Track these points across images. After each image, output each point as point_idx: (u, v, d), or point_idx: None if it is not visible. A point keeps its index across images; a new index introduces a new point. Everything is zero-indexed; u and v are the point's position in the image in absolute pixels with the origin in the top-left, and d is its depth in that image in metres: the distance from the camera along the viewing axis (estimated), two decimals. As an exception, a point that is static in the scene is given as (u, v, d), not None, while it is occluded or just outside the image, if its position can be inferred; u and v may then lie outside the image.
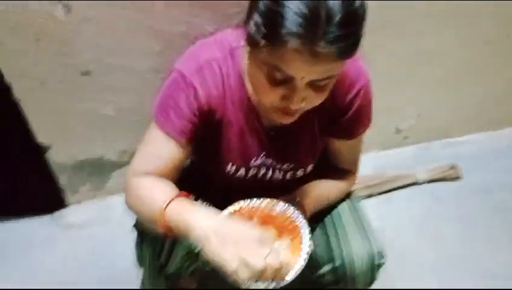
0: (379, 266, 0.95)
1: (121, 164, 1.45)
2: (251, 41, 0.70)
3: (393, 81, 1.54)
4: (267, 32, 0.65)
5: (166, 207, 0.75)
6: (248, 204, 0.85)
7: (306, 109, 0.78)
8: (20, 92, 1.18)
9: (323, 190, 0.99)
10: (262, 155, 0.94)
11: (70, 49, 1.12)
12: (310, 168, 0.98)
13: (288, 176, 0.97)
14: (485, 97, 1.76)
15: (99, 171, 1.46)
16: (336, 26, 0.62)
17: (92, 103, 1.27)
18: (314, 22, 0.61)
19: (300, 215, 0.85)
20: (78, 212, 1.55)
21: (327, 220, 1.02)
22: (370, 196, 1.66)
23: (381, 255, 0.95)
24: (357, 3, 0.64)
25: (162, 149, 0.85)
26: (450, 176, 1.73)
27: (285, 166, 0.96)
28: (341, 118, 0.91)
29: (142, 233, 0.94)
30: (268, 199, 0.86)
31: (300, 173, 0.98)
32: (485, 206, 1.65)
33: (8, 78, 1.15)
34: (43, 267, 1.43)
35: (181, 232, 0.73)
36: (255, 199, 0.86)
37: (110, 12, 1.08)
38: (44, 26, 1.06)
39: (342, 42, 0.63)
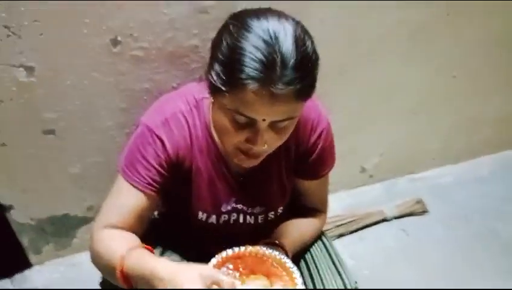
0: None
1: (87, 220, 1.40)
2: (213, 90, 0.73)
3: (353, 122, 1.61)
4: (227, 79, 0.69)
5: (125, 256, 0.73)
6: (232, 253, 0.84)
7: (268, 152, 0.80)
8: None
9: (299, 228, 1.00)
10: (232, 201, 0.95)
11: (32, 109, 1.12)
12: (280, 210, 0.99)
13: (259, 219, 0.98)
14: (445, 132, 1.85)
15: (64, 229, 1.40)
16: (291, 69, 0.66)
17: (56, 161, 1.25)
18: (270, 66, 0.65)
19: (287, 258, 0.85)
20: (40, 273, 1.47)
21: (301, 262, 1.03)
22: (341, 235, 1.67)
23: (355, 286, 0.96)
24: (309, 48, 0.70)
25: (128, 201, 0.85)
26: (417, 211, 1.78)
27: (256, 210, 0.96)
28: (306, 159, 0.94)
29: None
30: (251, 247, 0.86)
31: (271, 215, 0.99)
32: (452, 236, 1.70)
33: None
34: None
35: (140, 284, 0.71)
36: (238, 248, 0.85)
37: (74, 72, 1.10)
38: (6, 88, 1.06)
39: (298, 84, 0.67)
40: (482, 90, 1.77)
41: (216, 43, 0.73)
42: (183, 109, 0.86)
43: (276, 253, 0.85)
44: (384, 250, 1.64)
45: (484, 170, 2.00)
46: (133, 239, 0.82)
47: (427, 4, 1.38)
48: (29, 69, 1.04)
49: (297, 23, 0.71)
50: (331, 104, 1.41)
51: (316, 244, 1.05)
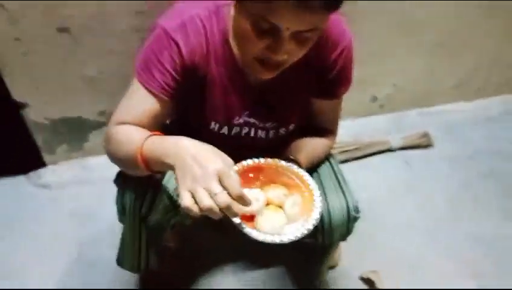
0: (354, 219, 1.00)
1: (99, 125, 1.43)
2: None
3: (371, 49, 1.56)
4: None
5: (144, 142, 0.75)
6: (253, 163, 0.86)
7: (287, 64, 0.79)
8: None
9: (312, 146, 1.02)
10: (245, 114, 0.95)
11: (49, 4, 1.09)
12: (291, 127, 1.00)
13: (271, 134, 0.99)
14: (459, 69, 1.81)
15: (77, 132, 1.44)
16: None
17: (72, 62, 1.24)
18: None
19: (304, 171, 0.87)
20: (55, 173, 1.54)
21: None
22: (346, 161, 1.71)
23: (356, 210, 0.99)
24: None
25: (143, 104, 0.85)
26: (423, 144, 1.80)
27: (268, 124, 0.97)
28: (325, 77, 0.92)
29: (123, 185, 0.94)
30: (270, 159, 0.88)
31: (282, 131, 0.99)
32: (455, 172, 1.73)
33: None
34: (18, 224, 1.42)
35: (159, 165, 0.73)
36: (258, 159, 0.87)
37: None
38: None
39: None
40: (507, 32, 1.70)
41: None
42: (201, 15, 0.83)
43: (294, 166, 0.88)
44: (386, 179, 1.68)
45: (494, 110, 1.99)
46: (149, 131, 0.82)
47: None
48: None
49: None
50: (350, 26, 1.38)
51: (323, 165, 1.08)
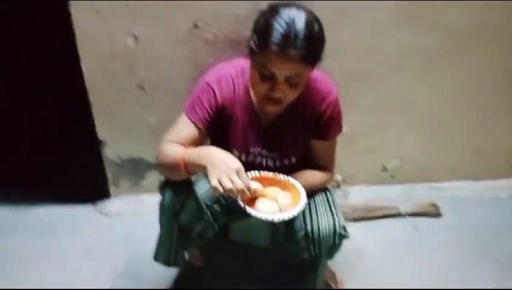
0: (341, 236, 1.25)
1: (155, 167, 1.82)
2: (251, 51, 1.12)
3: (376, 123, 1.90)
4: (259, 43, 1.07)
5: (185, 151, 1.13)
6: (257, 174, 1.20)
7: (285, 102, 1.15)
8: (92, 94, 1.65)
9: (308, 174, 1.31)
10: (258, 146, 1.31)
11: (133, 67, 1.60)
12: (293, 159, 1.33)
13: (277, 163, 1.33)
14: (463, 149, 2.06)
15: (138, 170, 1.85)
16: (301, 40, 1.03)
17: (142, 113, 1.71)
18: (287, 37, 1.03)
19: (297, 181, 1.19)
20: (116, 204, 1.93)
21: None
22: (356, 220, 1.93)
23: (343, 228, 1.25)
24: (316, 29, 1.07)
25: (185, 130, 1.24)
26: (431, 212, 1.99)
27: (274, 155, 1.32)
28: (317, 122, 1.27)
29: (164, 188, 1.29)
30: (271, 173, 1.23)
31: (286, 161, 1.33)
32: (460, 243, 1.86)
33: (88, 84, 1.62)
34: (82, 244, 1.78)
35: (195, 167, 1.09)
36: (262, 171, 1.22)
37: (165, 45, 1.57)
38: (120, 47, 1.56)
39: (304, 50, 1.04)
40: (498, 117, 1.97)
41: (256, 21, 1.13)
42: (232, 73, 1.26)
43: (288, 177, 1.20)
44: (392, 239, 1.86)
45: (504, 192, 2.15)
46: None
47: (438, 31, 1.70)
48: (136, 38, 1.54)
49: (309, 12, 1.08)
50: (356, 104, 1.79)
51: (319, 193, 1.36)
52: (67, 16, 1.48)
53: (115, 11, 1.48)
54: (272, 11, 1.08)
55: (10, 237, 1.80)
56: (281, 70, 1.07)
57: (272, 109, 1.18)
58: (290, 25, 1.03)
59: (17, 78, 2.59)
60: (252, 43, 1.10)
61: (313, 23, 1.07)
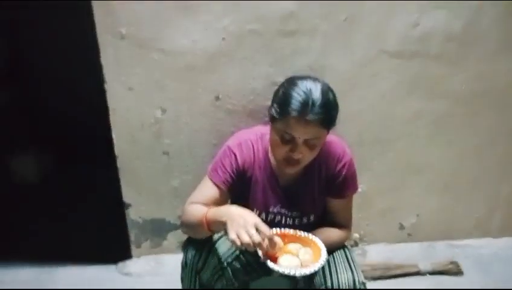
0: None
1: (176, 227, 1.91)
2: (271, 119, 1.25)
3: (391, 183, 1.97)
4: (280, 111, 1.20)
5: (207, 210, 1.21)
6: (279, 231, 1.26)
7: (304, 163, 1.25)
8: (121, 160, 1.78)
9: (327, 231, 1.37)
10: (278, 205, 1.39)
11: (159, 136, 1.74)
12: (312, 217, 1.40)
13: (296, 222, 1.40)
14: (479, 209, 2.09)
15: (159, 231, 1.93)
16: (318, 107, 1.16)
17: (166, 176, 1.82)
18: (305, 104, 1.16)
19: (316, 237, 1.25)
20: (137, 264, 1.98)
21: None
22: (375, 279, 1.93)
23: (362, 284, 1.28)
24: (331, 98, 1.21)
25: (208, 191, 1.34)
26: (452, 270, 1.98)
27: (293, 214, 1.39)
28: (333, 182, 1.36)
29: (187, 246, 1.35)
30: (292, 230, 1.28)
31: (305, 220, 1.40)
32: None
33: (117, 153, 1.75)
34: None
35: (216, 224, 1.16)
36: (283, 229, 1.28)
37: (190, 115, 1.72)
38: (148, 118, 1.71)
39: (322, 115, 1.16)
40: (509, 174, 2.03)
41: (276, 92, 1.27)
42: (252, 139, 1.38)
43: (309, 234, 1.26)
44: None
45: (525, 249, 2.14)
46: None
47: (445, 97, 1.83)
48: (163, 110, 1.69)
49: (324, 83, 1.22)
50: (370, 166, 1.91)
51: (338, 251, 1.40)
52: (103, 92, 1.65)
53: (146, 87, 1.66)
54: (290, 83, 1.23)
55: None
56: (301, 134, 1.18)
57: (291, 170, 1.27)
58: (308, 94, 1.17)
59: (58, 145, 2.82)
60: (273, 110, 1.23)
61: (328, 92, 1.21)
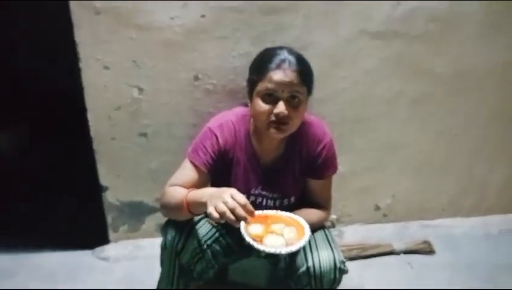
0: (341, 270, 1.30)
1: (154, 210, 1.88)
2: (251, 84, 1.26)
3: (367, 164, 2.00)
4: (259, 69, 1.23)
5: (188, 192, 1.19)
6: (261, 212, 1.25)
7: (289, 125, 1.23)
8: (97, 142, 1.73)
9: (306, 213, 1.37)
10: (259, 187, 1.39)
11: (136, 116, 1.69)
12: (293, 199, 1.41)
13: (277, 203, 1.40)
14: (452, 188, 2.15)
15: (138, 214, 1.89)
16: (294, 62, 1.21)
17: (143, 158, 1.78)
18: (283, 59, 1.20)
19: (299, 217, 1.24)
20: (114, 249, 1.95)
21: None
22: (352, 259, 1.98)
23: (342, 262, 1.30)
24: (306, 61, 1.26)
25: (189, 174, 1.32)
26: (424, 249, 2.05)
27: (274, 195, 1.39)
28: (313, 163, 1.37)
29: (167, 228, 1.33)
30: (273, 210, 1.28)
31: (285, 201, 1.41)
32: (455, 279, 1.89)
33: (93, 134, 1.70)
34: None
35: (197, 205, 1.15)
36: (266, 211, 1.27)
37: (167, 95, 1.67)
38: (124, 99, 1.65)
39: (299, 67, 1.20)
40: (484, 156, 2.09)
41: (254, 60, 1.30)
42: (233, 119, 1.36)
43: (291, 213, 1.26)
44: (387, 276, 1.89)
45: (494, 228, 2.23)
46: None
47: (426, 77, 1.86)
48: (140, 90, 1.64)
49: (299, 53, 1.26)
50: (348, 146, 1.90)
51: (318, 230, 1.41)
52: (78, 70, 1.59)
53: (123, 65, 1.60)
54: (267, 50, 1.28)
55: (9, 284, 1.79)
56: (282, 86, 1.20)
57: (279, 134, 1.26)
58: (284, 52, 1.23)
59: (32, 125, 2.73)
60: (251, 77, 1.26)
61: (303, 56, 1.25)
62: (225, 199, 1.05)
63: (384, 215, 2.14)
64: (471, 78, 1.90)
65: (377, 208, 2.12)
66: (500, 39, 1.85)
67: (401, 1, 1.69)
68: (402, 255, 2.03)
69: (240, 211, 1.04)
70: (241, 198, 1.07)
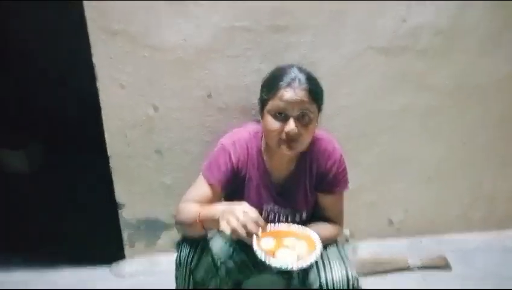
0: (354, 287, 1.29)
1: (170, 226, 1.90)
2: (262, 103, 1.29)
3: (378, 178, 2.01)
4: (270, 88, 1.26)
5: (201, 209, 1.22)
6: (273, 226, 1.28)
7: (299, 142, 1.25)
8: (113, 160, 1.77)
9: (319, 225, 1.39)
10: (271, 203, 1.41)
11: (151, 133, 1.73)
12: (304, 214, 1.43)
13: (289, 219, 1.42)
14: (465, 200, 2.14)
15: (153, 231, 1.92)
16: (304, 79, 1.23)
17: (158, 175, 1.82)
18: (293, 78, 1.23)
19: (310, 230, 1.26)
20: (131, 265, 1.97)
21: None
22: (366, 274, 1.96)
23: (356, 280, 1.30)
24: (315, 77, 1.28)
25: (203, 190, 1.35)
26: (440, 265, 2.03)
27: (286, 211, 1.41)
28: (324, 178, 1.39)
29: (181, 245, 1.36)
30: (286, 224, 1.31)
31: (297, 217, 1.42)
32: None
33: (110, 152, 1.75)
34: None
35: (210, 222, 1.17)
36: (278, 224, 1.30)
37: (180, 113, 1.71)
38: (140, 116, 1.70)
39: (309, 86, 1.23)
40: (494, 167, 2.09)
41: (265, 79, 1.32)
42: (245, 137, 1.39)
43: (302, 227, 1.28)
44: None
45: (509, 241, 2.20)
46: None
47: (433, 91, 1.87)
48: (155, 108, 1.69)
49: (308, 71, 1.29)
50: (357, 161, 1.91)
51: (331, 246, 1.42)
52: (94, 89, 1.64)
53: (138, 84, 1.65)
54: (278, 69, 1.30)
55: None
56: (292, 105, 1.22)
57: (290, 151, 1.27)
58: (293, 71, 1.26)
59: (49, 143, 2.81)
60: (262, 94, 1.29)
61: (313, 75, 1.28)
62: (237, 215, 1.07)
63: (398, 230, 2.13)
64: (476, 90, 1.91)
65: (390, 222, 2.12)
66: (502, 52, 1.86)
67: (407, 17, 1.71)
68: (417, 271, 2.02)
69: (252, 226, 1.06)
70: (253, 213, 1.09)
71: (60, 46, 2.78)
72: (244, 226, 1.06)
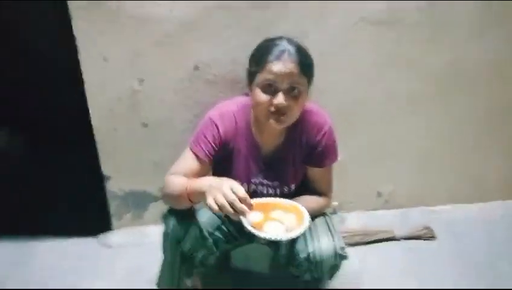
0: (341, 257, 1.32)
1: (157, 198, 1.90)
2: (251, 75, 1.26)
3: (369, 152, 2.01)
4: (258, 61, 1.23)
5: (188, 181, 1.21)
6: (261, 200, 1.26)
7: (288, 116, 1.24)
8: (98, 133, 1.74)
9: (307, 200, 1.38)
10: (259, 176, 1.40)
11: (137, 107, 1.70)
12: (293, 187, 1.42)
13: (277, 191, 1.42)
14: (454, 176, 2.16)
15: (141, 203, 1.92)
16: (294, 51, 1.20)
17: (145, 149, 1.80)
18: (282, 50, 1.20)
19: (298, 203, 1.26)
20: (118, 236, 1.98)
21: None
22: (354, 245, 2.00)
23: (342, 248, 1.32)
24: (305, 48, 1.26)
25: (190, 163, 1.33)
26: (425, 235, 2.06)
27: (275, 183, 1.41)
28: (313, 151, 1.38)
29: (168, 216, 1.36)
30: (273, 198, 1.31)
31: (285, 189, 1.42)
32: (456, 265, 1.91)
33: (94, 123, 1.71)
34: (86, 276, 1.82)
35: (197, 195, 1.16)
36: (266, 198, 1.29)
37: (169, 86, 1.68)
38: (125, 91, 1.66)
39: (298, 58, 1.20)
40: (482, 146, 2.12)
41: (253, 51, 1.29)
42: (234, 109, 1.37)
43: (290, 200, 1.27)
44: (388, 262, 1.91)
45: (496, 213, 2.23)
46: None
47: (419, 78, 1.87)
48: (141, 81, 1.64)
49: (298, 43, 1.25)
50: (351, 134, 1.89)
51: (319, 217, 1.43)
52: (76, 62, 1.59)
53: (122, 57, 1.60)
54: (266, 41, 1.27)
55: (13, 271, 1.84)
56: (281, 77, 1.20)
57: (279, 124, 1.26)
58: (282, 43, 1.22)
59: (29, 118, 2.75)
60: (251, 66, 1.26)
61: (303, 46, 1.25)
62: (224, 192, 1.06)
63: (386, 202, 2.16)
64: (463, 74, 1.91)
65: (379, 194, 2.14)
66: (491, 38, 1.84)
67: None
68: (402, 241, 2.06)
69: (239, 205, 1.05)
70: (240, 191, 1.07)
71: (42, 25, 2.67)
72: (231, 204, 1.05)
